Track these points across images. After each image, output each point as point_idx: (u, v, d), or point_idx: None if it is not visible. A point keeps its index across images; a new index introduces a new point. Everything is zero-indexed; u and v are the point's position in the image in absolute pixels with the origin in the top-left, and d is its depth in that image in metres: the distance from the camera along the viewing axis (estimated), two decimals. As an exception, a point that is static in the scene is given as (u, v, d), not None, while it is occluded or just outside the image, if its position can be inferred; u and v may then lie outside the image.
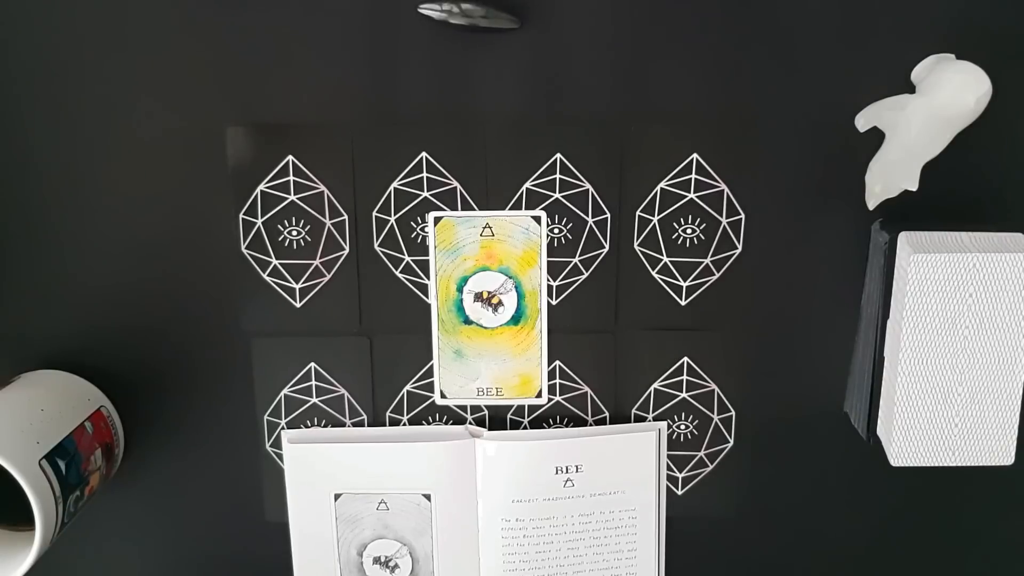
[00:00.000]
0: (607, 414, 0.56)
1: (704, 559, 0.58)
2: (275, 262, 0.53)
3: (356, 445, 0.55)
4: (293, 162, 0.52)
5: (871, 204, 0.51)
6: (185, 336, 0.54)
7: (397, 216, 0.53)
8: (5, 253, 0.53)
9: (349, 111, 0.51)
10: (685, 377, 0.55)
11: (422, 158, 0.52)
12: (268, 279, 0.53)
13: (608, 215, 0.52)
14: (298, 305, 0.54)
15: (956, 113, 0.46)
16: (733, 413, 0.56)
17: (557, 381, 0.55)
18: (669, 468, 0.56)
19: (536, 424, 0.56)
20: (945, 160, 0.49)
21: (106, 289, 0.53)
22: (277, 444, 0.56)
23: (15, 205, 0.52)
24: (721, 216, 0.52)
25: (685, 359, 0.55)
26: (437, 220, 0.53)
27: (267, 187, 0.52)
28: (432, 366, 0.55)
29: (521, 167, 0.52)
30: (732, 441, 0.56)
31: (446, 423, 0.56)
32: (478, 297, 0.54)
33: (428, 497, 0.55)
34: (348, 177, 0.52)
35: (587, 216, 0.52)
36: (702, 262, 0.53)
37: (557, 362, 0.55)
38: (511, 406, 0.56)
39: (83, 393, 0.53)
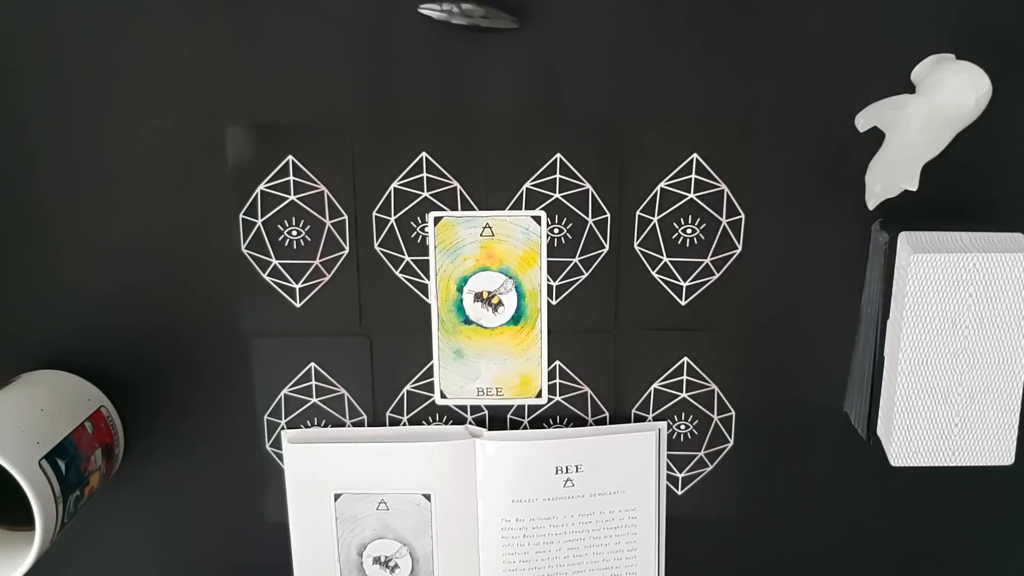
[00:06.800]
0: (607, 414, 0.56)
1: (704, 559, 0.58)
2: (275, 262, 0.53)
3: (356, 445, 0.55)
4: (293, 162, 0.52)
5: (871, 204, 0.51)
6: (185, 336, 0.54)
7: (397, 216, 0.53)
8: (5, 253, 0.53)
9: (349, 111, 0.51)
10: (685, 377, 0.55)
11: (422, 158, 0.52)
12: (268, 279, 0.53)
13: (608, 215, 0.52)
14: (298, 305, 0.54)
15: (956, 113, 0.46)
16: (733, 413, 0.56)
17: (557, 381, 0.55)
18: (669, 468, 0.56)
19: (536, 424, 0.56)
20: (945, 160, 0.49)
21: (106, 289, 0.53)
22: (277, 444, 0.56)
23: (15, 205, 0.52)
24: (721, 216, 0.52)
25: (685, 359, 0.55)
26: (437, 220, 0.53)
27: (267, 187, 0.52)
28: (432, 366, 0.55)
29: (521, 167, 0.52)
30: (732, 441, 0.56)
31: (446, 423, 0.56)
32: (478, 297, 0.54)
33: (428, 497, 0.55)
34: (348, 177, 0.52)
35: (587, 216, 0.52)
36: (702, 262, 0.53)
37: (557, 362, 0.55)
38: (511, 406, 0.56)
39: (83, 393, 0.53)
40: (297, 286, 0.53)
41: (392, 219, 0.53)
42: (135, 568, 0.58)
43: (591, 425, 0.56)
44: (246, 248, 0.53)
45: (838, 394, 0.55)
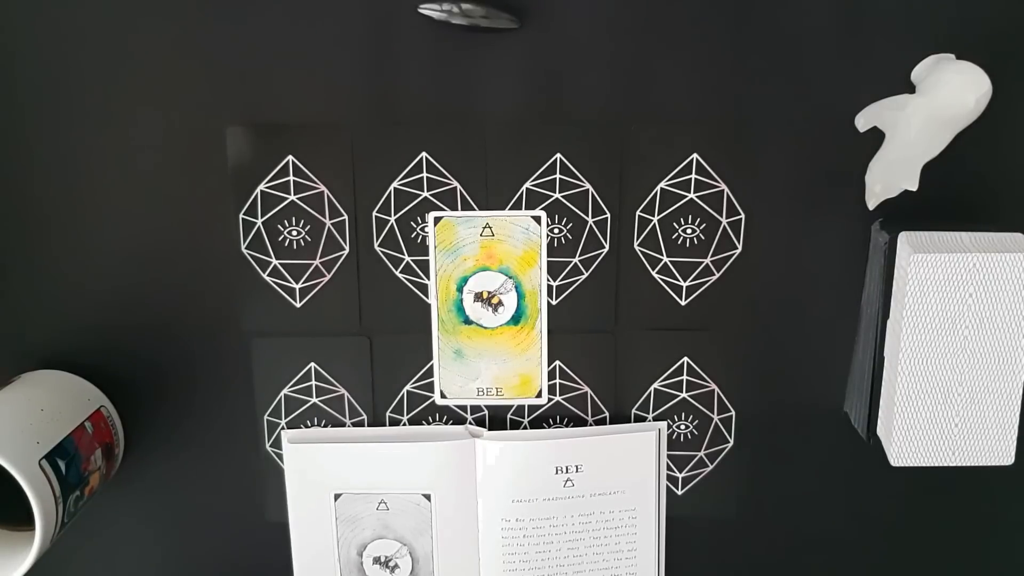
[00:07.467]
0: (607, 414, 0.56)
1: (704, 559, 0.58)
2: (275, 262, 0.53)
3: (356, 445, 0.55)
4: (293, 162, 0.52)
5: (871, 204, 0.51)
6: (185, 336, 0.54)
7: (397, 216, 0.53)
8: (5, 253, 0.53)
9: (349, 111, 0.51)
10: (685, 377, 0.55)
11: (422, 158, 0.52)
12: (268, 279, 0.53)
13: (608, 215, 0.52)
14: (298, 305, 0.54)
15: (956, 113, 0.46)
16: (733, 413, 0.56)
17: (557, 381, 0.55)
18: (669, 468, 0.56)
19: (536, 424, 0.56)
20: (945, 160, 0.49)
21: (106, 289, 0.53)
22: (277, 444, 0.56)
23: (15, 205, 0.52)
24: (721, 216, 0.52)
25: (685, 359, 0.55)
26: (437, 220, 0.53)
27: (267, 187, 0.52)
28: (432, 366, 0.55)
29: (521, 167, 0.52)
30: (732, 441, 0.56)
31: (446, 423, 0.56)
32: (478, 297, 0.54)
33: (428, 497, 0.55)
34: (348, 177, 0.52)
35: (587, 216, 0.52)
36: (702, 262, 0.53)
37: (557, 362, 0.55)
38: (511, 406, 0.56)
39: (83, 393, 0.53)
40: (297, 286, 0.53)
41: (392, 219, 0.53)
42: (135, 568, 0.58)
43: (591, 425, 0.56)
44: (246, 248, 0.53)
45: (838, 394, 0.55)
